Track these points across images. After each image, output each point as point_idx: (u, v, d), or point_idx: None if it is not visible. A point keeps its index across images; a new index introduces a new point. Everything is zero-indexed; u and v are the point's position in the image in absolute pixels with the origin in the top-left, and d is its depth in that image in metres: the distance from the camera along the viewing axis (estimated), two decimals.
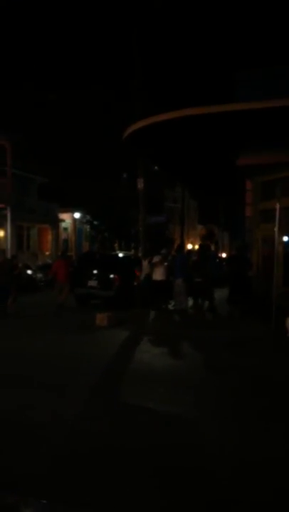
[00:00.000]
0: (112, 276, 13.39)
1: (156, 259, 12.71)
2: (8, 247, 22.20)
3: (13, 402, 5.27)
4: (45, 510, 1.71)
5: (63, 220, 33.30)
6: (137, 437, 4.42)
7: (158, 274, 12.57)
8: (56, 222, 31.89)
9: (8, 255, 17.12)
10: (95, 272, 13.74)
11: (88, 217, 33.40)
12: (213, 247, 18.43)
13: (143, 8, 14.61)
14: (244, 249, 12.50)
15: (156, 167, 20.89)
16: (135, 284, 13.71)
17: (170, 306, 13.15)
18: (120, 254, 17.29)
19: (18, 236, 27.26)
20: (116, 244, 32.88)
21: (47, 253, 30.25)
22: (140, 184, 16.05)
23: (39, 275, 19.93)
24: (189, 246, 35.83)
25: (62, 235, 33.94)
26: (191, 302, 12.76)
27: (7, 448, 4.13)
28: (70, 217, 34.14)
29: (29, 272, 19.38)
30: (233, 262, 12.63)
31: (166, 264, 12.83)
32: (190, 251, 16.38)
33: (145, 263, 13.37)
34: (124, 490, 3.47)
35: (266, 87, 10.36)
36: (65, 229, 34.74)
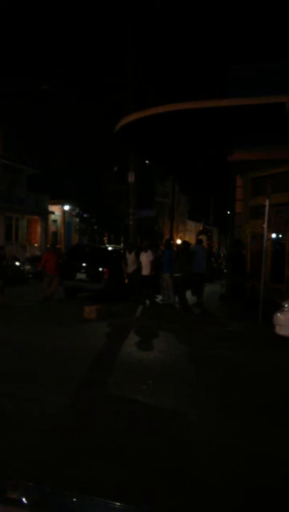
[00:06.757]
0: (101, 269, 13.36)
1: (143, 256, 12.69)
2: None
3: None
4: (31, 492, 1.68)
5: (53, 212, 33.06)
6: (126, 430, 4.44)
7: (144, 270, 12.65)
8: (46, 213, 31.67)
9: None
10: (84, 264, 13.70)
11: (78, 209, 33.20)
12: (205, 243, 18.32)
13: (139, 1, 14.57)
14: (239, 245, 12.24)
15: (147, 161, 20.83)
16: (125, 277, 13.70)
17: (158, 300, 13.19)
18: (110, 248, 17.22)
19: (7, 227, 27.04)
20: (105, 238, 32.76)
21: (36, 245, 30.06)
22: (131, 178, 16.00)
23: (27, 267, 19.77)
24: (178, 241, 35.88)
25: (52, 228, 33.73)
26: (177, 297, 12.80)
27: None
28: (60, 210, 33.93)
29: (17, 263, 19.21)
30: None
31: (151, 259, 12.76)
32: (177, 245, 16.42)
33: (130, 256, 13.26)
34: (113, 483, 3.49)
35: (259, 82, 10.39)
36: (55, 221, 34.52)
